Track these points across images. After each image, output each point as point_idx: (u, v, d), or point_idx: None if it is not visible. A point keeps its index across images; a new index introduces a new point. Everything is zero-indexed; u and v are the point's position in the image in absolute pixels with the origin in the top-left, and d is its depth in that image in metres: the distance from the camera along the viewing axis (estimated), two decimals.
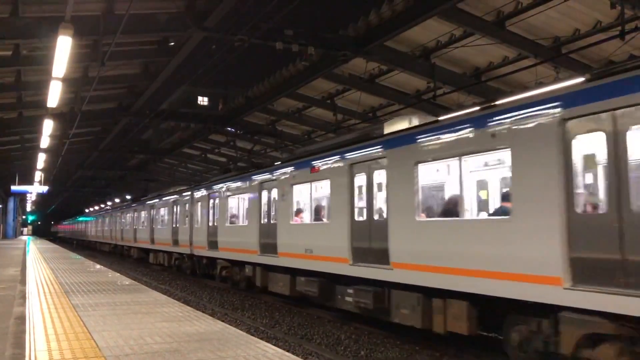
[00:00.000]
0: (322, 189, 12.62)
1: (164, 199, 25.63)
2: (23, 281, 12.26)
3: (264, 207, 14.68)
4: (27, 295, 9.71)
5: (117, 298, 9.56)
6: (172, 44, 16.26)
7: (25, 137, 27.51)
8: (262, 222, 14.58)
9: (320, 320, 12.39)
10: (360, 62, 14.81)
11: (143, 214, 29.89)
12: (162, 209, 25.77)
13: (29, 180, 39.33)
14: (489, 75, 14.47)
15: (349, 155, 10.99)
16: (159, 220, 26.23)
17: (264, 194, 14.69)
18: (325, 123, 20.71)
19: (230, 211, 17.41)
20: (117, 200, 52.11)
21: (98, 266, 18.47)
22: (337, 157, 11.38)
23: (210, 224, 18.63)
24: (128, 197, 48.64)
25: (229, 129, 24.10)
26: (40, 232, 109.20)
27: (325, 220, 12.32)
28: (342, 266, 10.78)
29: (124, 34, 12.07)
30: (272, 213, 14.23)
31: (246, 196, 15.89)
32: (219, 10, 12.83)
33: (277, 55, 13.71)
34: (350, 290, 10.79)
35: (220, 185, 18.06)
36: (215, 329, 6.71)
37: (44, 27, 12.70)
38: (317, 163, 12.07)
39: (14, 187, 40.23)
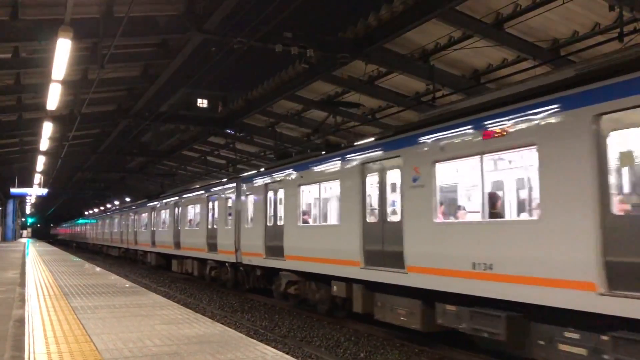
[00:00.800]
0: (510, 163, 8.15)
1: (195, 193, 21.21)
2: (22, 284, 12.25)
3: (372, 199, 10.43)
4: (26, 298, 9.70)
5: (116, 300, 9.55)
6: (172, 46, 16.27)
7: (25, 139, 27.53)
8: (367, 220, 10.40)
9: (320, 322, 12.38)
10: (360, 65, 14.82)
11: (165, 213, 25.26)
12: (192, 207, 21.48)
13: (29, 183, 39.31)
14: (488, 77, 14.49)
15: (594, 100, 6.37)
16: (186, 220, 21.90)
17: (371, 179, 10.40)
18: (325, 125, 20.72)
19: (305, 206, 13.04)
20: (116, 202, 52.04)
21: (98, 269, 18.46)
22: (556, 107, 6.84)
23: (270, 223, 14.34)
24: (128, 198, 48.58)
25: (229, 131, 24.11)
26: (39, 234, 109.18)
27: (523, 215, 7.97)
28: (574, 295, 6.38)
29: (124, 36, 12.08)
30: (391, 207, 10.00)
31: (334, 184, 11.64)
32: (218, 12, 12.85)
33: (277, 57, 13.71)
34: (578, 337, 6.55)
35: (287, 172, 13.55)
36: (214, 332, 6.71)
37: (43, 30, 12.71)
38: (501, 122, 7.51)
39: (13, 190, 40.21)
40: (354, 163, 10.76)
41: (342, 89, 17.33)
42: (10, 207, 57.19)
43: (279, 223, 13.87)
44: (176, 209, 23.27)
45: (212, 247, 18.41)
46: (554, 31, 12.18)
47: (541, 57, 12.47)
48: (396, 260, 9.26)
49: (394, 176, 9.76)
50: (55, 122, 19.62)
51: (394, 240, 9.37)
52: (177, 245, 22.47)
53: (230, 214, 17.25)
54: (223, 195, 18.04)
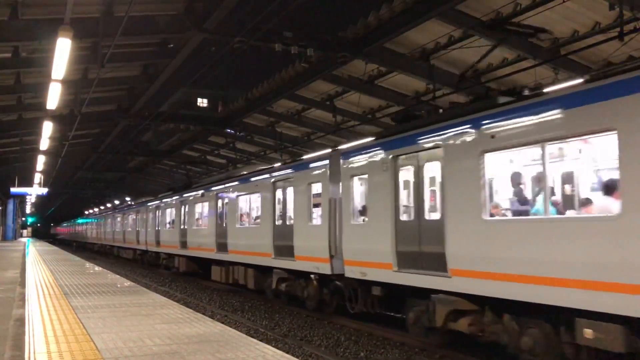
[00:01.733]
0: None
1: (252, 179, 16.21)
2: (22, 283, 12.25)
3: None
4: (26, 298, 9.70)
5: (116, 300, 9.56)
6: (172, 45, 16.28)
7: (25, 139, 27.54)
8: None
9: (320, 321, 12.38)
10: (360, 64, 14.83)
11: (201, 206, 20.67)
12: (245, 197, 16.78)
13: (29, 182, 39.33)
14: (488, 77, 14.48)
15: None
16: (236, 214, 17.07)
17: None
18: (325, 124, 20.74)
19: (498, 188, 8.32)
20: (117, 201, 51.98)
21: (97, 268, 18.46)
22: None
23: (406, 217, 9.60)
24: (127, 198, 48.54)
25: (229, 130, 24.11)
26: (40, 234, 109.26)
27: None
28: None
29: (124, 35, 12.07)
30: None
31: (597, 142, 6.96)
32: (218, 12, 12.85)
33: (277, 57, 13.71)
34: None
35: (449, 133, 8.53)
36: (214, 331, 6.71)
37: (43, 29, 12.71)
38: None
39: (13, 189, 40.23)
40: None
41: (342, 88, 17.36)
42: (10, 206, 57.23)
43: (428, 216, 9.13)
44: (219, 201, 18.63)
45: (284, 250, 13.68)
46: (554, 30, 12.17)
47: (541, 56, 12.47)
48: None
49: None
50: (55, 121, 19.63)
51: None
52: (222, 247, 17.75)
53: (317, 205, 12.71)
54: (303, 179, 13.14)
